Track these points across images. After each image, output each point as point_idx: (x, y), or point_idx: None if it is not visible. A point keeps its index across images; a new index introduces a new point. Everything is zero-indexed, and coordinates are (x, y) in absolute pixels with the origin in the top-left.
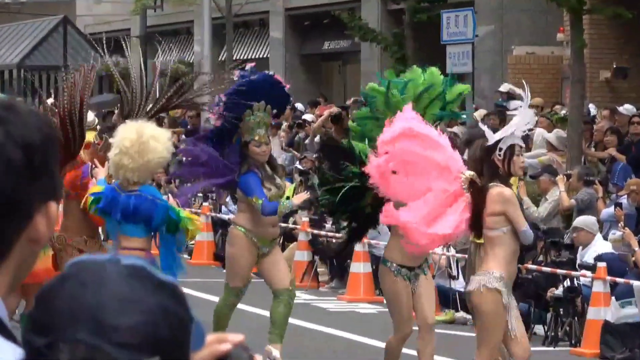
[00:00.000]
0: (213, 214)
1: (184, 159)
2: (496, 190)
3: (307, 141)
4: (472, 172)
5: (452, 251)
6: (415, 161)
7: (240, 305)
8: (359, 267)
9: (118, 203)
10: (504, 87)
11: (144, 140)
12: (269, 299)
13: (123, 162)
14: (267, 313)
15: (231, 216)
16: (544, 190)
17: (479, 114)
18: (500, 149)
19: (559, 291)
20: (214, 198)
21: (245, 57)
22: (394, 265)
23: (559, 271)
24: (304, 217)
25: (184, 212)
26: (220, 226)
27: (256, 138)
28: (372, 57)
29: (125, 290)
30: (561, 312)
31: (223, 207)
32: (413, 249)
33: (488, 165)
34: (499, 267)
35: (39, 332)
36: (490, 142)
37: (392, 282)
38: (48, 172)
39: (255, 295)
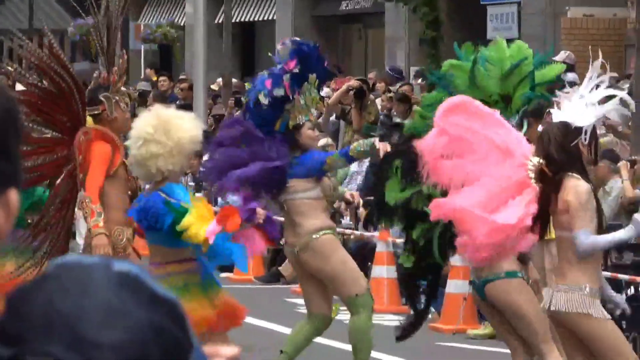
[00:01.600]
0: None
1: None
2: (571, 182)
3: (320, 120)
4: (540, 160)
5: None
6: (472, 140)
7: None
8: (382, 272)
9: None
10: (560, 56)
11: (165, 119)
12: (268, 309)
13: (151, 151)
14: (275, 327)
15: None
16: (602, 179)
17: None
18: (586, 132)
19: None
20: (211, 188)
21: (246, 20)
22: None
23: (621, 276)
24: None
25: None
26: None
27: (312, 119)
28: (399, 20)
29: (112, 301)
30: (623, 325)
31: (219, 199)
32: (473, 253)
33: (567, 152)
34: (587, 278)
35: (5, 341)
36: (578, 123)
37: (528, 293)
38: (6, 153)
39: (258, 305)
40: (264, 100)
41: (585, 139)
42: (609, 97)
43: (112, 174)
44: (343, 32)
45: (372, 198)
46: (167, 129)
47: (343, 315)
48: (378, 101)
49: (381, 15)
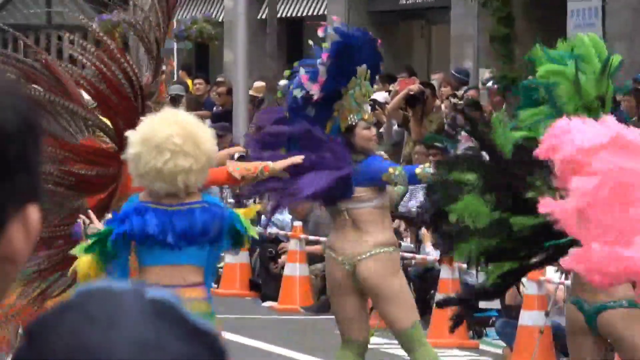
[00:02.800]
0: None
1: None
2: None
3: (382, 129)
4: None
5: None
6: (635, 183)
7: (265, 345)
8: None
9: (169, 222)
10: None
11: (192, 129)
12: (316, 343)
13: (180, 165)
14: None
15: (275, 230)
16: None
17: None
18: None
19: None
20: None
21: (293, 15)
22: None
23: None
24: None
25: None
26: (258, 243)
27: (365, 117)
28: (467, 15)
29: (145, 333)
30: None
31: (262, 217)
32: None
33: None
34: None
35: None
36: None
37: None
38: (27, 167)
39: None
40: (299, 96)
41: None
42: None
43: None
44: (403, 29)
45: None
46: (197, 141)
47: (401, 350)
48: (443, 107)
49: (447, 10)
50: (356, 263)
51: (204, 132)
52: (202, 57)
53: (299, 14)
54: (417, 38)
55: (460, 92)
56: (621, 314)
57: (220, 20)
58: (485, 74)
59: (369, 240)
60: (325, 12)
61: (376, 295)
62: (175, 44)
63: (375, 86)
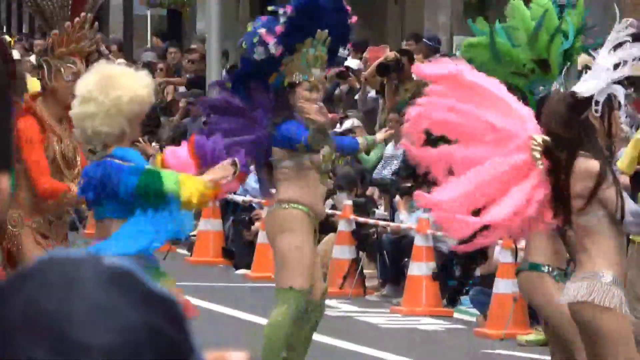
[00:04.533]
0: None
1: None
2: (582, 163)
3: (357, 97)
4: (545, 137)
5: None
6: (463, 123)
7: (238, 313)
8: (421, 269)
9: (84, 177)
10: (623, 23)
11: (107, 75)
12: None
13: (88, 110)
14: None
15: (249, 198)
16: None
17: (582, 60)
18: (597, 102)
19: None
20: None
21: None
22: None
23: None
24: (345, 200)
25: (177, 174)
26: (232, 212)
27: (311, 79)
28: None
29: (102, 299)
30: None
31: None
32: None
33: (577, 126)
34: (606, 265)
35: None
36: (583, 93)
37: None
38: None
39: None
40: (273, 49)
41: (596, 110)
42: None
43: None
44: None
45: (410, 185)
46: (106, 86)
47: (374, 317)
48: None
49: None
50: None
51: (121, 81)
52: (175, 24)
53: None
54: (391, 4)
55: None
56: (524, 277)
57: None
58: (459, 40)
59: (275, 197)
60: None
61: (273, 250)
62: (148, 10)
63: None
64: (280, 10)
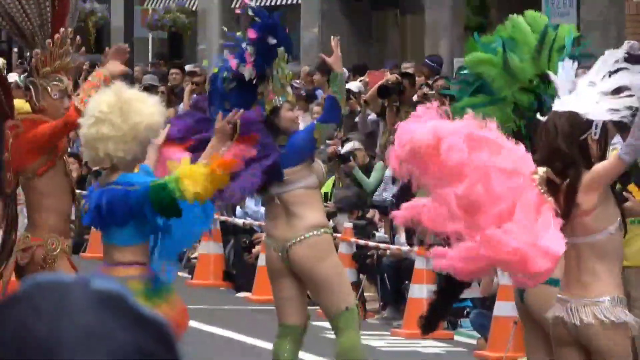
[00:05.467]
0: (223, 218)
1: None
2: (585, 176)
3: (357, 119)
4: (545, 168)
5: None
6: (492, 176)
7: (239, 336)
8: (421, 291)
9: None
10: (624, 47)
11: (125, 99)
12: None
13: (102, 132)
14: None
15: (250, 221)
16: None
17: None
18: (597, 126)
19: None
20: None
21: (267, 4)
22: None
23: None
24: (346, 223)
25: (176, 174)
26: (232, 234)
27: (289, 99)
28: (441, 4)
29: (91, 322)
30: None
31: (238, 209)
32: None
33: (577, 145)
34: (614, 288)
35: None
36: (589, 116)
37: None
38: None
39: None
40: (230, 84)
41: (595, 134)
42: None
43: (52, 164)
44: (376, 18)
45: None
46: (124, 111)
47: (374, 340)
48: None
49: None
50: (287, 248)
51: (139, 106)
52: (176, 47)
53: (272, 3)
54: (391, 27)
55: (432, 82)
56: (540, 291)
57: (194, 9)
58: (460, 63)
59: (298, 224)
60: (299, 1)
61: (308, 280)
62: (150, 33)
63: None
64: (243, 43)
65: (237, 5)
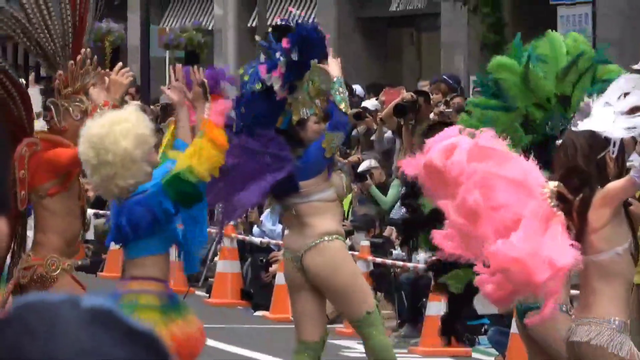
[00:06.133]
0: (241, 236)
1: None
2: (598, 194)
3: (374, 137)
4: (556, 182)
5: None
6: (496, 185)
7: (257, 354)
8: (438, 308)
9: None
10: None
11: (99, 135)
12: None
13: (105, 174)
14: None
15: (267, 240)
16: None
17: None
18: (615, 144)
19: None
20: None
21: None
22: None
23: None
24: (362, 241)
25: (181, 160)
26: (249, 253)
27: (317, 112)
28: (457, 22)
29: (85, 341)
30: None
31: (255, 227)
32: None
33: (594, 163)
34: (617, 310)
35: None
36: (607, 134)
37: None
38: None
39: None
40: (278, 92)
41: (613, 152)
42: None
43: (65, 188)
44: (393, 36)
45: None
46: (106, 146)
47: None
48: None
49: (436, 17)
50: (301, 257)
51: (115, 131)
52: (192, 66)
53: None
54: (407, 45)
55: (449, 99)
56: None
57: (210, 28)
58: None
59: (309, 232)
60: (315, 20)
61: (326, 289)
62: (165, 52)
63: (361, 91)
64: (277, 54)
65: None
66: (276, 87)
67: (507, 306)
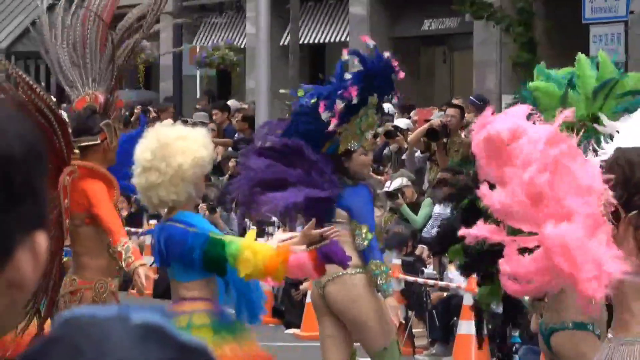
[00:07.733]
0: None
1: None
2: None
3: (405, 156)
4: (613, 199)
5: None
6: (565, 177)
7: None
8: (469, 327)
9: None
10: None
11: (166, 142)
12: None
13: (150, 180)
14: None
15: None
16: None
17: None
18: None
19: None
20: (278, 225)
21: (315, 41)
22: None
23: None
24: (394, 259)
25: (239, 243)
26: None
27: (365, 145)
28: (489, 41)
29: (136, 358)
30: None
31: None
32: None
33: None
34: None
35: None
36: None
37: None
38: (33, 194)
39: None
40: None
41: None
42: None
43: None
44: (425, 55)
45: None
46: (165, 155)
47: None
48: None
49: (469, 36)
50: (324, 285)
51: (180, 146)
52: (225, 84)
53: (321, 40)
54: (440, 64)
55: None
56: (569, 335)
57: (242, 46)
58: (508, 99)
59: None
60: (348, 39)
61: (345, 320)
62: (198, 70)
63: (393, 110)
64: (339, 92)
65: (315, 34)
66: (331, 127)
67: (520, 295)
